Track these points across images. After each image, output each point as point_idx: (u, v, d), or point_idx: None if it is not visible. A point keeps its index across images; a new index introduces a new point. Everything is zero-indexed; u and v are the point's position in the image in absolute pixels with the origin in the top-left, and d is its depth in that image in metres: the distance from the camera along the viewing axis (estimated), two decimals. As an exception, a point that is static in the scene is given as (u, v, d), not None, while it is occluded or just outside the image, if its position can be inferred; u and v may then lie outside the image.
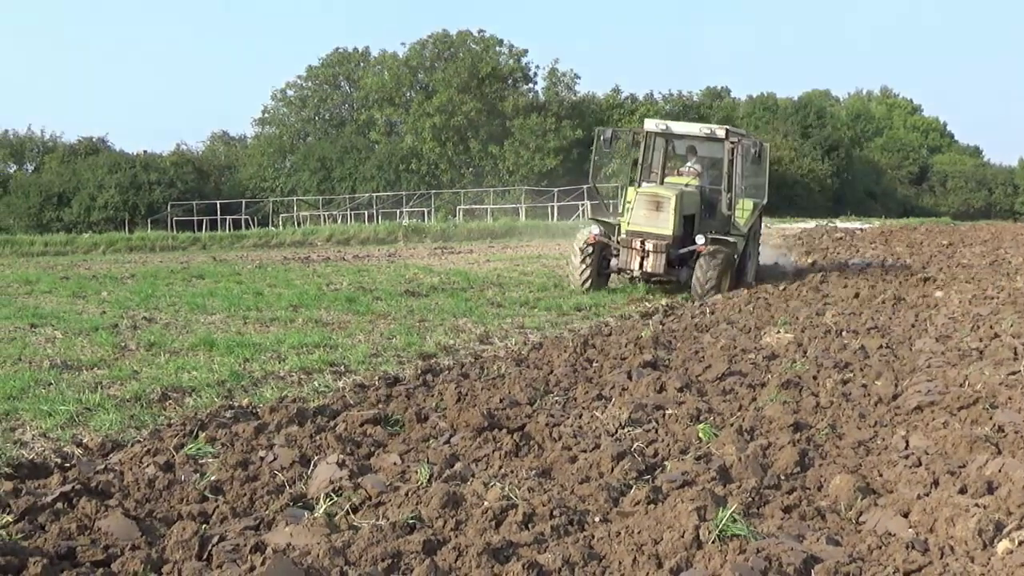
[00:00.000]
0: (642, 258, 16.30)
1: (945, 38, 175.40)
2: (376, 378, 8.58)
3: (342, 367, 9.32)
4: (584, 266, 16.64)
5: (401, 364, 9.63)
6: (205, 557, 4.30)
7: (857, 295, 15.37)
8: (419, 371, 8.87)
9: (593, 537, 4.58)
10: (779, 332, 11.03)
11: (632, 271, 16.55)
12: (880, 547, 4.54)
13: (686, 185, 17.38)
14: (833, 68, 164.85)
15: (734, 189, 17.51)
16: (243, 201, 56.89)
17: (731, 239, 16.79)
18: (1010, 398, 7.06)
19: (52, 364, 8.81)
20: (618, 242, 16.61)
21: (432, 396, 7.67)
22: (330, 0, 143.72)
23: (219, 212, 53.20)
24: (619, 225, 16.97)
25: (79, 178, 57.70)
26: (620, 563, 4.33)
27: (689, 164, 18.20)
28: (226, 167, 72.15)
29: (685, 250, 16.43)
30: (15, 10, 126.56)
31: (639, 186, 17.55)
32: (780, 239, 30.89)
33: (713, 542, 4.37)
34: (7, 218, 55.88)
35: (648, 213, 16.26)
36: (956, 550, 4.40)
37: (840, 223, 43.15)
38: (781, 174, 66.48)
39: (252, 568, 4.03)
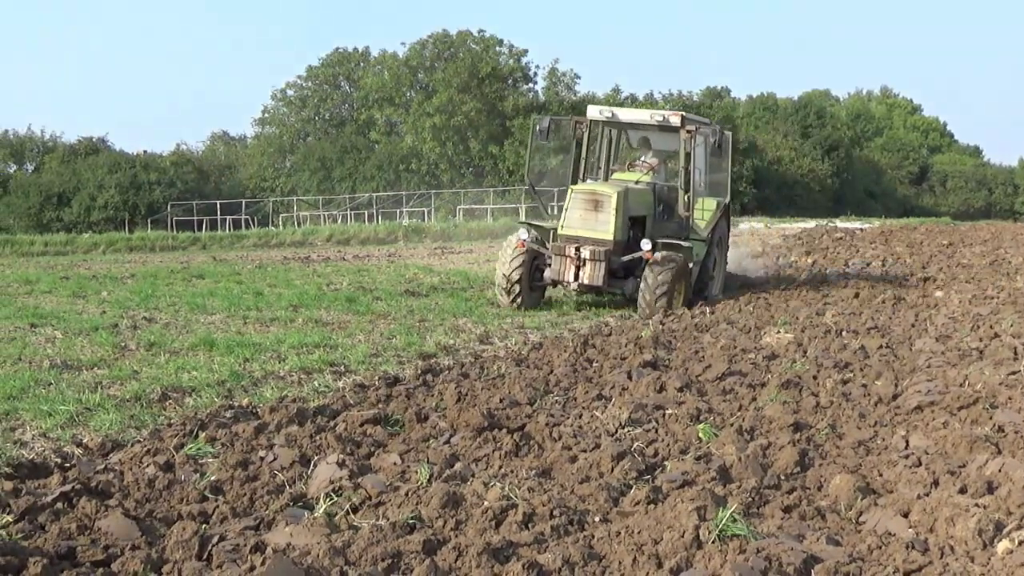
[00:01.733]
0: (578, 267, 13.86)
1: (945, 38, 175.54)
2: (376, 378, 8.57)
3: (342, 367, 9.32)
4: (512, 279, 14.14)
5: (401, 364, 9.63)
6: (205, 557, 4.30)
7: (857, 295, 15.38)
8: (419, 371, 8.87)
9: (593, 537, 4.58)
10: (779, 332, 11.03)
11: (567, 283, 14.15)
12: (880, 547, 4.54)
13: (636, 182, 15.04)
14: (833, 68, 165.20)
15: (692, 186, 15.04)
16: (243, 201, 56.85)
17: (685, 244, 14.37)
18: (1010, 398, 7.06)
19: (52, 364, 8.80)
20: (551, 249, 14.23)
21: (432, 396, 7.67)
22: (330, 0, 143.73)
23: (219, 212, 53.18)
24: (555, 229, 14.44)
25: (79, 178, 57.66)
26: (620, 563, 4.33)
27: (644, 158, 15.92)
28: (226, 167, 72.16)
29: (629, 258, 14.05)
30: (15, 10, 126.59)
31: (584, 182, 15.27)
32: (780, 239, 30.88)
33: (713, 542, 4.37)
34: (7, 218, 55.85)
35: (585, 214, 13.96)
36: (956, 550, 4.40)
37: (840, 223, 43.14)
38: (781, 174, 66.57)
39: (252, 568, 4.03)
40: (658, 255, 13.91)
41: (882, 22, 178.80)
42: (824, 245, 27.52)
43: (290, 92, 72.25)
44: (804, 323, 12.06)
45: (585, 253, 13.80)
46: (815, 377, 8.63)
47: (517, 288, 14.15)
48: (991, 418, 6.56)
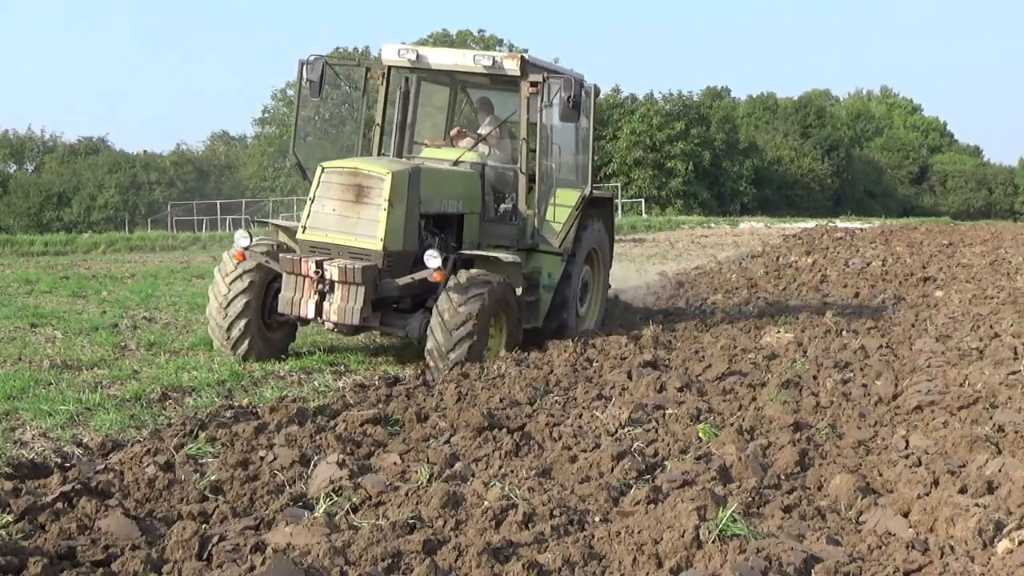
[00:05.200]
0: (322, 295, 8.89)
1: (945, 38, 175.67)
2: (376, 378, 8.58)
3: (342, 367, 9.33)
4: (231, 311, 9.26)
5: (401, 364, 9.63)
6: (205, 557, 4.30)
7: (857, 295, 15.38)
8: (419, 371, 8.87)
9: (593, 537, 4.58)
10: (779, 332, 11.03)
11: (304, 317, 9.08)
12: (880, 547, 4.54)
13: (455, 162, 10.23)
14: (833, 68, 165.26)
15: (540, 169, 10.14)
16: (243, 201, 56.84)
17: (506, 258, 9.55)
18: (1010, 398, 7.07)
19: (52, 364, 8.80)
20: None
21: (432, 396, 7.67)
22: (330, 0, 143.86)
23: (219, 212, 53.17)
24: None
25: (79, 178, 57.70)
26: (620, 563, 4.34)
27: (482, 127, 10.93)
28: (226, 167, 72.21)
29: (407, 280, 8.95)
30: (15, 9, 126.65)
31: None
32: (780, 239, 30.88)
33: (713, 542, 4.37)
34: (7, 218, 55.86)
35: (342, 207, 9.01)
36: (956, 550, 4.41)
37: (840, 223, 43.15)
38: (781, 174, 66.59)
39: (252, 568, 4.03)
40: (461, 276, 9.10)
41: (882, 22, 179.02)
42: (824, 245, 27.51)
43: (290, 92, 72.28)
44: (804, 323, 12.06)
45: (332, 271, 8.77)
46: (815, 377, 8.63)
47: (240, 327, 9.26)
48: (991, 418, 6.57)
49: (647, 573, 4.24)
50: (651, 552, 4.35)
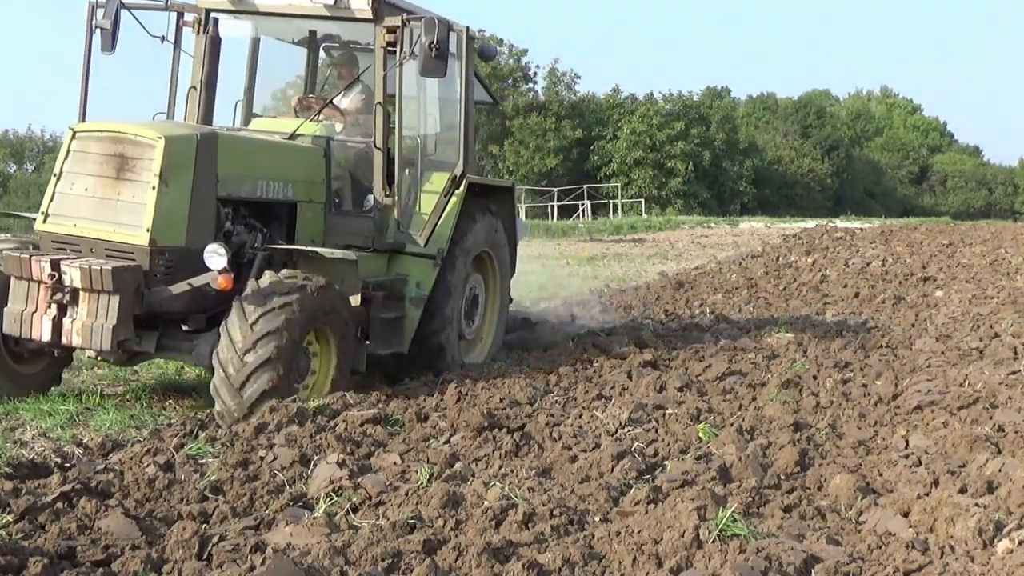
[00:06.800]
0: (60, 308, 6.58)
1: (945, 38, 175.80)
2: (376, 378, 8.56)
3: (342, 367, 9.28)
4: None
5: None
6: (205, 557, 4.30)
7: (857, 295, 15.38)
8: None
9: (593, 537, 4.58)
10: (779, 332, 11.04)
11: (37, 340, 6.76)
12: (880, 547, 4.55)
13: (292, 135, 8.01)
14: (833, 68, 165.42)
15: (400, 143, 8.03)
16: (243, 201, 56.73)
17: (333, 255, 7.39)
18: (1010, 398, 7.07)
19: (52, 364, 8.79)
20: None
21: (432, 396, 7.67)
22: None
23: (219, 212, 53.10)
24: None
25: (79, 178, 57.67)
26: (620, 563, 4.34)
27: (355, 92, 8.65)
28: (226, 167, 72.23)
29: (183, 288, 6.69)
30: (15, 9, 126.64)
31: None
32: (780, 239, 30.85)
33: (713, 542, 4.37)
34: (7, 218, 55.81)
35: (99, 186, 6.77)
36: (956, 550, 4.41)
37: (840, 223, 43.14)
38: (781, 174, 66.61)
39: (252, 568, 4.04)
40: (262, 282, 6.75)
41: (882, 22, 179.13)
42: (824, 245, 27.51)
43: (291, 92, 72.25)
44: (804, 323, 12.05)
45: (72, 275, 6.50)
46: (815, 377, 8.64)
47: None
48: (991, 418, 6.57)
49: (647, 573, 4.24)
50: (651, 552, 4.35)
